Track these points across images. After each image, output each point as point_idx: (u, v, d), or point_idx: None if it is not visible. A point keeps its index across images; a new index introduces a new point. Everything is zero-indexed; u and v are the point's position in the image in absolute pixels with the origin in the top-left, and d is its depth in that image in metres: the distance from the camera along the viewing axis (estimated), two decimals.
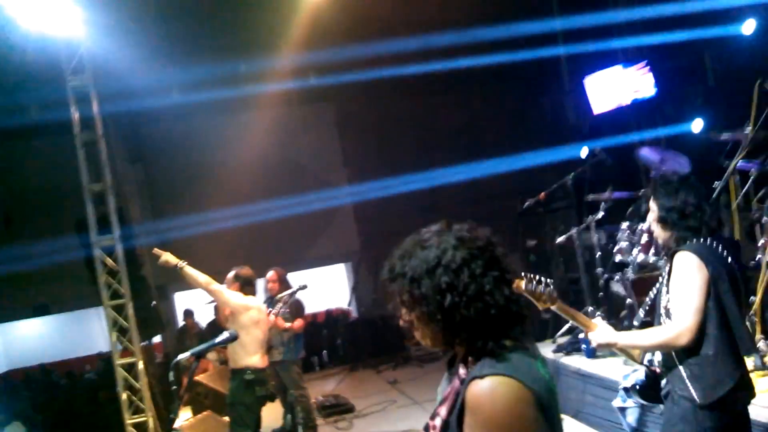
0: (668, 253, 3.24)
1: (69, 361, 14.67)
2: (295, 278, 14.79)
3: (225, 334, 3.96)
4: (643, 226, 6.50)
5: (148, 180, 13.61)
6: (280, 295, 7.07)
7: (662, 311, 3.12)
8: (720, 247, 3.10)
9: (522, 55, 10.48)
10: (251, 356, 5.78)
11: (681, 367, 3.02)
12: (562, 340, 7.29)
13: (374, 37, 9.82)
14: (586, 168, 7.54)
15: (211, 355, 10.44)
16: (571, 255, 7.58)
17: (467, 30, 10.04)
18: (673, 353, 3.04)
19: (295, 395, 7.22)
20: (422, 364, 10.81)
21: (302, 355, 7.68)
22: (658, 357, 3.25)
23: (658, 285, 3.26)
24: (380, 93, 11.92)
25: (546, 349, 7.21)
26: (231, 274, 5.95)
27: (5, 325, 15.11)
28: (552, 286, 3.09)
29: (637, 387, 3.28)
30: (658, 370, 3.22)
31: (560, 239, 7.76)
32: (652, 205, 3.29)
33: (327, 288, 15.83)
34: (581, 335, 6.70)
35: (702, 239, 3.10)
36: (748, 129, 5.42)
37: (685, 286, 3.00)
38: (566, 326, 7.53)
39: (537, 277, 3.05)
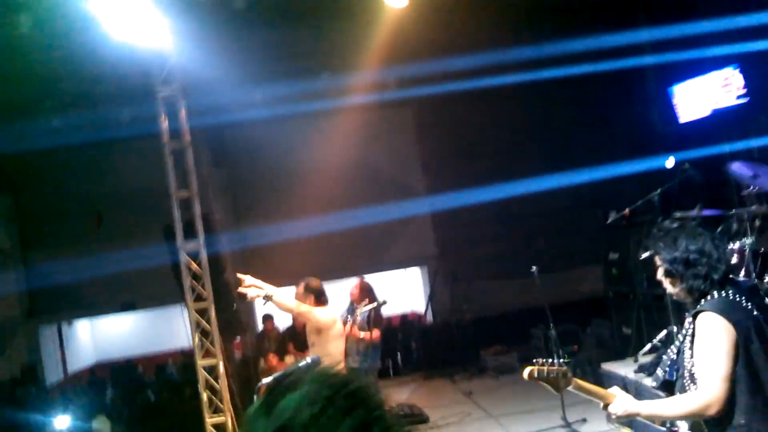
0: (687, 310, 3.09)
1: (153, 356, 15.19)
2: (370, 281, 15.00)
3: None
4: (733, 246, 6.28)
5: (230, 184, 13.96)
6: (360, 307, 7.14)
7: (687, 375, 2.96)
8: (743, 298, 2.93)
9: (607, 65, 10.25)
10: (338, 366, 5.88)
11: None
12: (644, 360, 7.12)
13: (456, 46, 9.80)
14: (673, 183, 7.30)
15: (290, 359, 10.65)
16: (656, 271, 7.35)
17: (552, 40, 9.91)
18: (702, 422, 2.89)
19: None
20: (498, 375, 10.71)
21: (378, 366, 7.72)
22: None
23: (678, 344, 3.09)
24: (460, 99, 11.86)
25: (628, 369, 7.07)
26: (301, 287, 6.08)
27: (94, 321, 15.79)
28: (565, 365, 3.02)
29: None
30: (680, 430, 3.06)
31: (644, 255, 7.55)
32: (657, 261, 3.14)
33: (402, 292, 15.90)
34: (665, 356, 6.50)
35: (723, 293, 2.93)
36: None
37: (712, 351, 2.84)
38: (649, 345, 7.35)
39: (548, 361, 2.99)
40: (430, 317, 13.36)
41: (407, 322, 13.82)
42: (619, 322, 9.38)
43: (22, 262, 13.36)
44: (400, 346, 12.63)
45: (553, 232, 12.68)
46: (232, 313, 9.63)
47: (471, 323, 12.12)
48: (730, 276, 3.04)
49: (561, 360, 3.07)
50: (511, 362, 10.89)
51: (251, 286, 5.65)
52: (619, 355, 8.32)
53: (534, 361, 3.05)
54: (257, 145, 12.83)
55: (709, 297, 2.95)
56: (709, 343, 2.84)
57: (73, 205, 13.08)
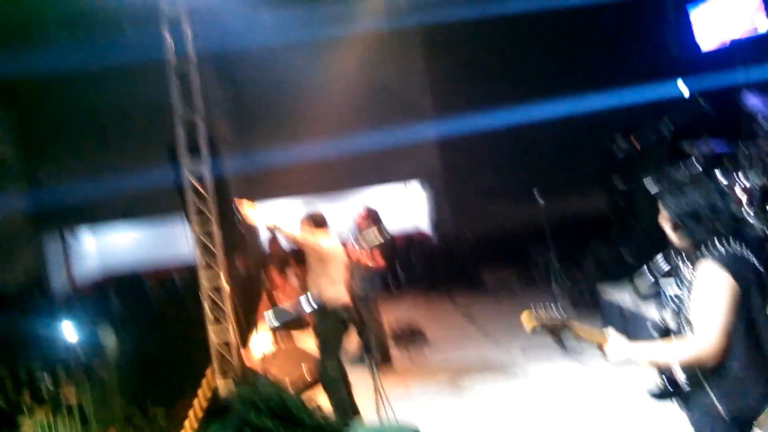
0: (690, 258, 3.07)
1: (159, 269, 15.41)
2: (376, 199, 15.04)
3: (310, 301, 4.07)
4: (740, 180, 6.23)
5: (236, 105, 13.83)
6: (368, 234, 7.18)
7: (686, 324, 2.96)
8: (747, 252, 2.91)
9: None
10: (339, 293, 6.02)
11: (705, 382, 2.91)
12: (642, 285, 7.15)
13: None
14: (685, 114, 7.18)
15: (292, 276, 10.79)
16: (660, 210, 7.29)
17: None
18: (698, 369, 2.92)
19: (371, 322, 7.46)
20: (497, 294, 10.91)
21: (380, 291, 7.87)
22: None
23: (680, 292, 3.06)
24: (469, 22, 11.60)
25: (625, 293, 7.17)
26: (304, 218, 6.11)
27: (99, 234, 15.95)
28: (561, 308, 3.02)
29: (654, 391, 3.14)
30: (676, 374, 3.07)
31: (650, 186, 7.51)
32: (664, 212, 3.11)
33: (405, 209, 15.98)
34: (662, 285, 6.56)
35: (728, 245, 2.90)
36: None
37: (711, 301, 2.82)
38: (647, 272, 7.38)
39: (543, 306, 2.98)
40: (433, 234, 13.48)
41: (410, 239, 13.92)
42: (620, 248, 9.42)
43: (28, 177, 13.40)
44: (401, 262, 12.75)
45: (559, 156, 12.59)
46: (236, 233, 9.73)
47: (472, 243, 12.22)
48: (737, 229, 3.01)
49: (554, 306, 3.07)
50: (510, 282, 11.06)
51: (254, 215, 5.70)
52: (618, 281, 8.38)
53: (533, 309, 3.06)
54: (264, 68, 12.65)
55: (713, 249, 2.93)
56: (710, 294, 2.84)
57: (78, 122, 13.03)
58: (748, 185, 6.15)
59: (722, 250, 2.91)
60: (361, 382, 6.55)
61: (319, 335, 6.02)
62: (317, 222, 6.08)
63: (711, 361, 2.81)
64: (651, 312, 6.48)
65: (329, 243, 5.98)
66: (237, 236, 9.80)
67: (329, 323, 5.91)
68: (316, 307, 4.45)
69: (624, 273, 8.22)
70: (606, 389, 5.98)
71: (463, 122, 11.77)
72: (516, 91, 11.93)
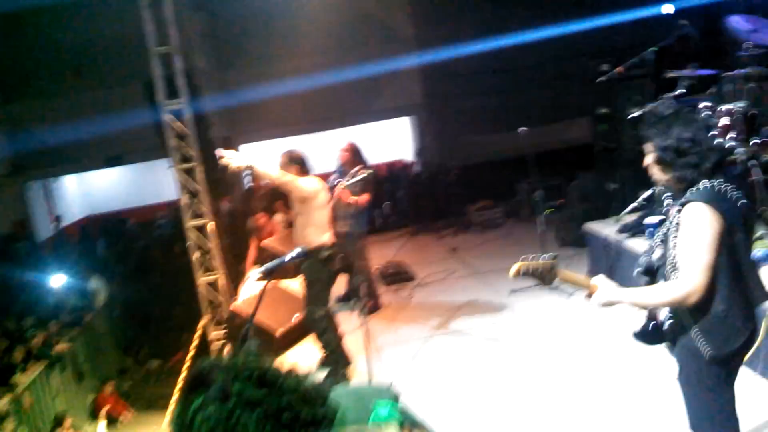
0: (676, 198, 3.05)
1: (143, 208, 15.33)
2: (360, 132, 14.87)
3: (298, 250, 4.03)
4: (724, 107, 6.18)
5: (212, 29, 13.44)
6: (352, 173, 7.07)
7: (671, 263, 2.96)
8: (730, 188, 2.90)
9: None
10: (324, 234, 5.94)
11: (689, 322, 2.95)
12: (627, 219, 7.19)
13: None
14: (669, 40, 7.05)
15: (278, 218, 10.72)
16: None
17: None
18: (682, 308, 2.95)
19: (359, 265, 7.46)
20: (483, 230, 10.88)
21: (366, 229, 7.79)
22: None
23: (664, 231, 3.06)
24: None
25: (610, 228, 7.16)
26: (284, 157, 5.93)
27: (81, 175, 15.75)
28: (552, 258, 3.01)
29: (640, 333, 3.17)
30: (660, 315, 3.11)
31: (634, 113, 7.46)
32: (648, 146, 3.07)
33: (390, 141, 15.86)
34: (647, 220, 6.60)
35: (711, 182, 2.89)
36: None
37: (696, 241, 2.83)
38: (632, 205, 7.42)
39: (533, 257, 2.97)
40: (417, 166, 13.41)
41: (395, 171, 13.85)
42: (605, 177, 9.42)
43: (3, 120, 13.11)
44: (387, 196, 12.70)
45: (543, 84, 12.45)
46: (219, 172, 9.61)
47: (457, 178, 12.16)
48: (721, 164, 2.98)
49: (548, 255, 3.07)
50: (496, 217, 11.03)
51: (230, 159, 5.50)
52: (602, 212, 8.40)
53: (522, 258, 3.06)
54: None
55: (697, 186, 2.91)
56: (695, 233, 2.85)
57: (51, 59, 12.68)
58: (732, 111, 6.11)
59: (706, 187, 2.90)
60: (350, 328, 6.61)
61: (307, 282, 5.97)
62: (295, 161, 5.89)
63: (695, 299, 2.84)
64: (636, 246, 6.52)
65: (309, 182, 5.83)
66: (220, 176, 9.70)
67: (316, 270, 5.86)
68: (302, 256, 4.42)
69: (609, 206, 8.25)
70: (595, 327, 6.03)
71: (446, 51, 11.55)
72: (499, 18, 11.70)
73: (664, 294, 2.93)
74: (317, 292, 5.90)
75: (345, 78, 12.09)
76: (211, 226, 8.05)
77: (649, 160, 3.10)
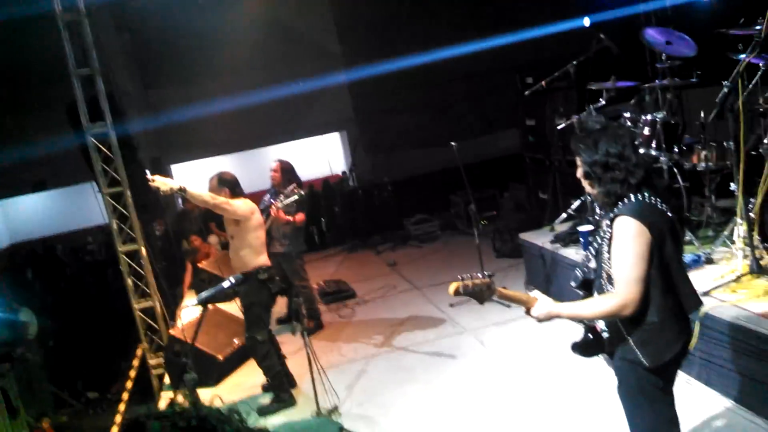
0: (606, 211, 3.15)
1: (70, 233, 14.84)
2: (292, 148, 14.75)
3: (231, 279, 3.98)
4: (646, 117, 6.42)
5: (136, 49, 13.16)
6: (285, 193, 7.02)
7: (604, 276, 3.06)
8: (658, 200, 3.01)
9: None
10: (260, 256, 5.88)
11: (625, 333, 3.04)
12: (560, 229, 7.38)
13: None
14: (589, 54, 7.30)
15: (213, 239, 10.58)
16: (572, 136, 7.47)
17: None
18: (618, 321, 3.04)
19: (298, 285, 7.41)
20: (420, 244, 10.98)
21: (303, 248, 7.75)
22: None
23: (597, 245, 3.16)
24: None
25: (544, 238, 7.32)
26: (214, 180, 5.86)
27: (5, 201, 15.17)
28: (488, 277, 3.08)
29: (578, 344, 3.24)
30: (598, 326, 3.20)
31: (560, 125, 7.68)
32: (577, 160, 3.16)
33: (322, 156, 15.83)
34: (580, 228, 6.78)
35: (639, 196, 3.00)
36: (760, 26, 5.17)
37: (628, 254, 2.93)
38: (564, 214, 7.62)
39: (470, 276, 3.03)
40: (351, 182, 13.42)
41: (329, 186, 13.83)
42: (536, 187, 9.65)
43: None
44: (323, 211, 12.65)
45: (471, 98, 12.67)
46: (149, 194, 9.41)
47: (392, 192, 12.22)
48: (648, 178, 3.08)
49: (485, 273, 3.11)
50: (432, 230, 11.12)
51: (160, 183, 5.40)
52: (536, 221, 8.60)
53: (459, 276, 3.10)
54: (166, 15, 11.99)
55: (626, 200, 3.01)
56: (626, 247, 2.94)
57: None
58: (653, 121, 6.34)
59: (634, 201, 3.00)
60: (293, 350, 6.56)
61: (246, 306, 5.90)
62: (228, 183, 5.83)
63: (630, 310, 2.92)
64: (571, 255, 6.69)
65: (241, 204, 5.77)
66: (151, 199, 9.50)
67: (254, 292, 5.79)
68: (238, 281, 4.36)
69: (542, 216, 8.44)
70: (536, 339, 6.14)
71: (375, 66, 11.62)
72: (426, 33, 11.85)
73: (600, 307, 3.01)
74: (257, 315, 5.82)
75: (274, 95, 12.01)
76: (143, 251, 7.86)
77: (579, 173, 3.19)
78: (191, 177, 14.26)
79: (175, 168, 14.35)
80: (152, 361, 7.73)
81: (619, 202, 3.03)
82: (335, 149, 15.49)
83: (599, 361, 3.36)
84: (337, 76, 12.82)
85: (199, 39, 12.30)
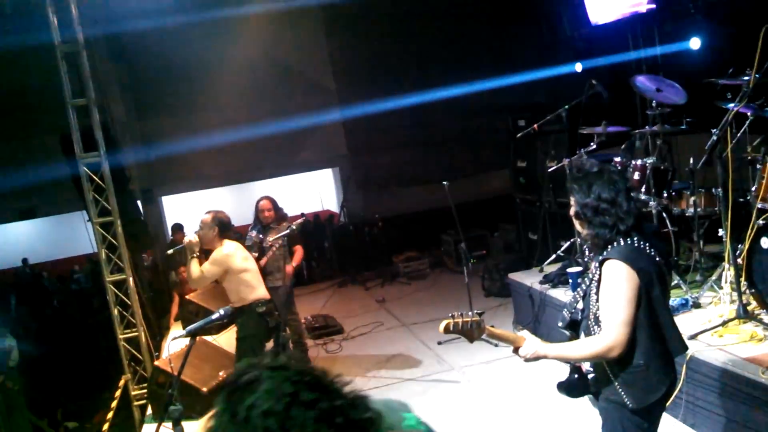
0: (595, 253, 3.18)
1: (57, 261, 14.79)
2: (283, 183, 14.81)
3: (221, 311, 3.98)
4: (636, 162, 6.50)
5: (131, 81, 13.26)
6: (277, 229, 7.04)
7: (592, 318, 3.09)
8: (646, 245, 3.04)
9: None
10: (257, 289, 5.92)
11: (611, 375, 3.06)
12: (549, 270, 7.40)
13: None
14: (581, 99, 7.41)
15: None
16: (563, 179, 7.54)
17: None
18: (605, 363, 3.06)
19: (287, 318, 7.38)
20: (410, 281, 10.96)
21: (294, 282, 7.77)
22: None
23: (585, 287, 3.19)
24: (369, 7, 11.61)
25: (533, 279, 7.35)
26: (209, 217, 5.91)
27: None
28: (478, 315, 3.10)
29: (564, 384, 3.26)
30: (584, 367, 3.21)
31: (551, 168, 7.76)
32: (571, 199, 3.21)
33: (315, 192, 15.92)
34: (569, 269, 6.81)
35: (628, 240, 3.03)
36: (748, 77, 5.29)
37: (615, 297, 2.95)
38: (554, 255, 7.66)
39: (461, 314, 3.06)
40: (343, 218, 13.46)
41: (320, 222, 13.86)
42: (526, 229, 9.70)
43: None
44: (313, 245, 12.66)
45: (464, 137, 12.80)
46: (139, 225, 9.40)
47: (383, 229, 12.25)
48: (637, 222, 3.11)
49: (475, 312, 3.13)
50: (422, 268, 11.12)
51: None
52: (525, 262, 8.63)
53: (450, 314, 3.11)
54: (163, 50, 12.13)
55: (615, 244, 3.04)
56: (613, 290, 2.96)
57: None
58: (643, 166, 6.42)
59: (624, 245, 3.03)
60: None
61: (241, 337, 5.89)
62: (219, 224, 5.86)
63: (617, 353, 2.93)
64: (559, 296, 6.71)
65: (223, 259, 5.79)
66: (140, 229, 9.49)
67: (253, 325, 5.80)
68: (227, 314, 4.36)
69: (532, 256, 8.47)
70: (524, 378, 6.13)
71: (369, 104, 11.74)
72: (420, 73, 12.02)
73: (587, 348, 3.02)
74: (250, 347, 5.81)
75: (268, 129, 12.10)
76: (130, 281, 7.82)
77: (571, 211, 3.23)
78: (182, 209, 14.29)
79: (166, 200, 14.37)
80: (135, 392, 7.64)
81: (608, 246, 3.06)
82: (327, 185, 15.57)
83: (584, 401, 3.36)
84: (331, 112, 12.94)
85: (194, 72, 12.43)
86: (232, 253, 5.85)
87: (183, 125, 12.48)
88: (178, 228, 11.27)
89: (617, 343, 2.92)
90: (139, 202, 10.48)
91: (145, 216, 11.13)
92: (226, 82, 12.37)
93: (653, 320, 3.00)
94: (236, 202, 15.03)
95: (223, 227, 5.86)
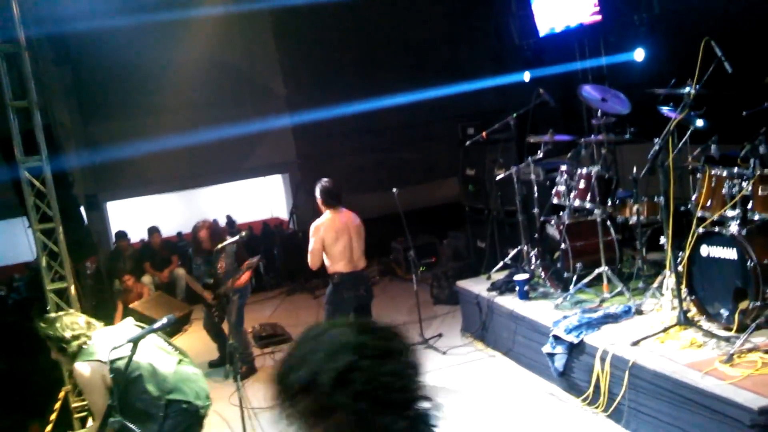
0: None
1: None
2: (231, 189, 14.63)
3: (164, 320, 3.88)
4: (581, 170, 6.61)
5: (76, 84, 12.95)
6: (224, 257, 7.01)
7: None
8: None
9: None
10: None
11: None
12: (497, 277, 7.46)
13: None
14: (529, 107, 7.50)
15: (146, 279, 10.34)
16: (511, 187, 7.63)
17: None
18: None
19: (234, 330, 7.27)
20: None
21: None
22: None
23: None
24: (318, 11, 11.57)
25: (481, 286, 7.39)
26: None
27: None
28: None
29: None
30: None
31: (499, 176, 7.84)
32: None
33: (264, 198, 15.77)
34: (516, 276, 6.88)
35: None
36: (689, 87, 5.42)
37: None
38: (501, 263, 7.73)
39: None
40: (292, 225, 13.35)
41: (269, 229, 13.72)
42: (475, 236, 9.77)
43: None
44: (261, 253, 12.50)
45: (414, 145, 12.83)
46: (82, 231, 9.17)
47: None
48: None
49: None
50: (371, 276, 11.05)
51: None
52: (474, 269, 8.68)
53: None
54: (109, 52, 11.87)
55: None
56: None
57: None
58: (588, 175, 6.53)
59: None
60: (226, 394, 6.42)
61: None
62: None
63: None
64: (506, 304, 6.76)
65: None
66: (83, 236, 9.25)
67: None
68: (171, 322, 4.26)
69: (480, 264, 8.53)
70: (470, 382, 6.11)
71: (319, 111, 11.69)
72: (371, 80, 12.02)
73: None
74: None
75: (217, 135, 11.94)
76: (72, 290, 7.61)
77: None
78: (127, 215, 14.00)
79: (111, 205, 14.06)
80: (75, 404, 7.43)
81: None
82: (278, 192, 15.43)
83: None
84: (281, 118, 12.83)
85: (142, 75, 12.19)
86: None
87: (130, 129, 12.20)
88: (122, 236, 11.05)
89: None
90: (82, 208, 10.24)
91: (88, 222, 10.88)
92: (174, 86, 12.17)
93: None
94: (185, 208, 14.81)
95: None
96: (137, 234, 12.57)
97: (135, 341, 3.72)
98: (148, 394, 3.79)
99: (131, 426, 3.63)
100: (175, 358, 4.03)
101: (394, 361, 1.58)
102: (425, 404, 1.61)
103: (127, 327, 4.12)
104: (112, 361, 3.74)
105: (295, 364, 1.60)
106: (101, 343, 3.86)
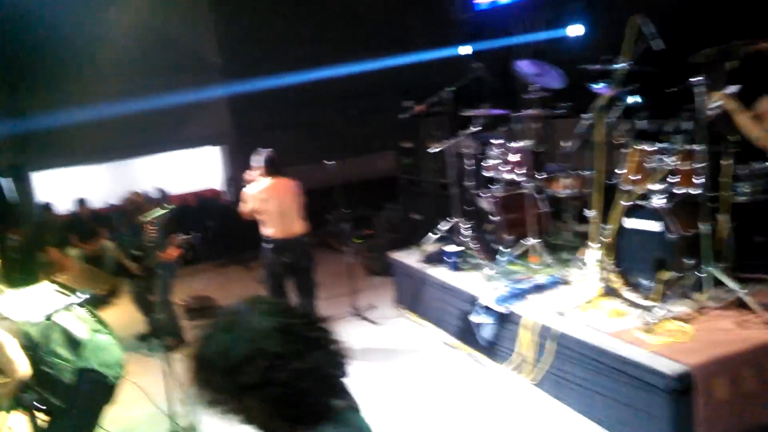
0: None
1: None
2: (167, 160, 14.29)
3: (80, 295, 3.76)
4: (515, 144, 6.66)
5: (2, 51, 12.37)
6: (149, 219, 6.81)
7: None
8: None
9: None
10: None
11: None
12: (430, 249, 7.49)
13: None
14: (465, 81, 7.51)
15: (73, 252, 10.04)
16: (445, 160, 7.64)
17: None
18: None
19: (161, 301, 7.15)
20: None
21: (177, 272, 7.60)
22: None
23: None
24: None
25: (413, 258, 7.42)
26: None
27: None
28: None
29: None
30: None
31: (433, 149, 7.84)
32: None
33: (199, 170, 15.46)
34: (446, 248, 6.92)
35: None
36: (620, 64, 5.50)
37: None
38: (434, 235, 7.75)
39: None
40: (228, 196, 13.15)
41: (203, 200, 13.49)
42: (410, 208, 9.80)
43: None
44: (196, 225, 12.25)
45: (351, 117, 12.76)
46: (4, 201, 8.86)
47: None
48: None
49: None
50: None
51: None
52: (408, 241, 8.69)
53: None
54: (34, 13, 11.36)
55: None
56: None
57: None
58: (521, 149, 6.59)
59: None
60: (153, 368, 6.28)
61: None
62: None
63: None
64: (438, 275, 6.81)
65: None
66: (6, 207, 8.95)
67: None
68: (87, 297, 4.12)
69: (414, 236, 8.55)
70: (401, 353, 6.14)
71: (255, 81, 11.49)
72: (307, 51, 11.86)
73: None
74: None
75: (150, 104, 11.61)
76: None
77: None
78: (56, 186, 13.54)
79: (37, 175, 13.57)
80: None
81: None
82: (213, 163, 15.15)
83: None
84: (217, 89, 12.57)
85: (71, 42, 11.71)
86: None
87: (59, 98, 11.74)
88: (47, 207, 10.69)
89: None
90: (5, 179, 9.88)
91: (14, 193, 10.49)
92: (106, 54, 11.76)
93: None
94: (116, 179, 14.40)
95: None
96: (66, 206, 12.20)
97: (49, 317, 3.62)
98: (60, 358, 3.66)
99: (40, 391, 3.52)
100: (91, 326, 3.91)
101: (310, 349, 1.64)
102: (337, 393, 1.68)
103: (46, 291, 3.97)
104: (23, 324, 3.60)
105: (211, 343, 1.66)
106: (12, 303, 3.71)
